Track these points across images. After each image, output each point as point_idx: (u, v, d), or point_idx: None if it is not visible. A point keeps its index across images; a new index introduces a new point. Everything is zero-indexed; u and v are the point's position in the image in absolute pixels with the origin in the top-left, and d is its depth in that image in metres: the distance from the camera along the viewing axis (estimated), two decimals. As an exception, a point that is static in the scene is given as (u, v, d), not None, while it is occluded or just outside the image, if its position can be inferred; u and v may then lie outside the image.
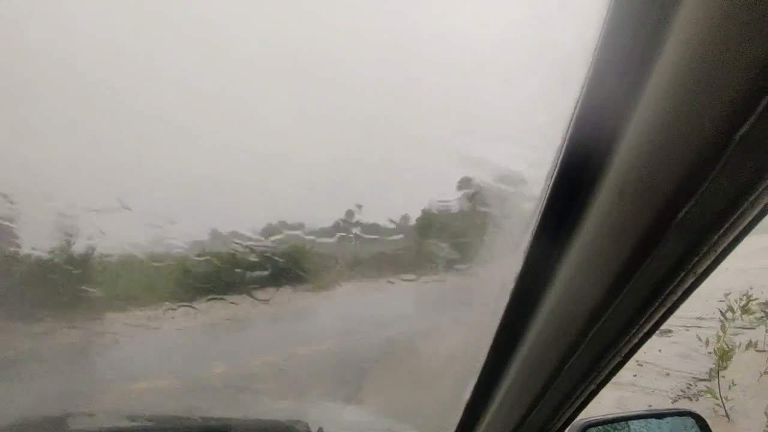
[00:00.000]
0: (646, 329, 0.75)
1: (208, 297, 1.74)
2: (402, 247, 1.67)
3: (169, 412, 1.66)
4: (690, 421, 1.31)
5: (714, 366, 5.16)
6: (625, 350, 0.81)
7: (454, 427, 1.21)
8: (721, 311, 5.68)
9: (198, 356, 2.02)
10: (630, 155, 0.55)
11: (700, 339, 5.36)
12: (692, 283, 0.63)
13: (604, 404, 4.92)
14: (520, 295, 0.83)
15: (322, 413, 1.64)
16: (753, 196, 0.48)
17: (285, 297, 1.82)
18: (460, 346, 1.33)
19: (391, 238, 1.67)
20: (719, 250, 0.58)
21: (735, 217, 0.51)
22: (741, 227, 0.54)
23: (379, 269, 1.72)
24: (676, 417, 1.34)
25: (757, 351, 6.07)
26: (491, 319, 0.91)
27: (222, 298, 1.76)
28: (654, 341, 6.41)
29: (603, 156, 0.58)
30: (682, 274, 0.60)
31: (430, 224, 1.54)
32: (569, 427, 1.17)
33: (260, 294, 1.79)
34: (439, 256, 1.57)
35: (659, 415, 1.32)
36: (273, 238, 1.68)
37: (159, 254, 1.62)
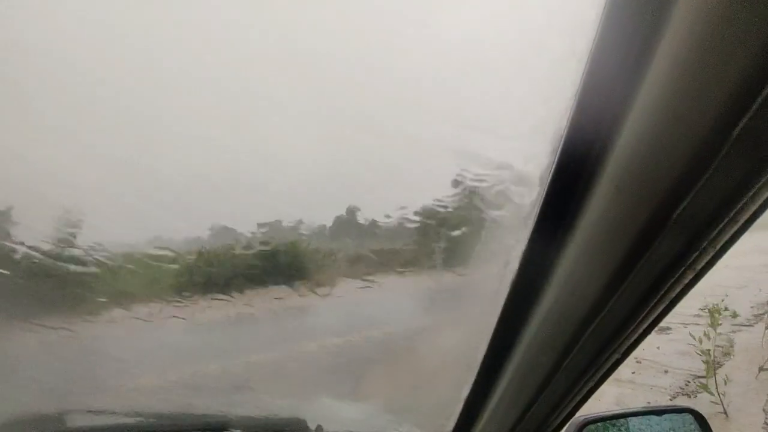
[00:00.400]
0: (644, 326, 0.75)
1: (206, 295, 1.75)
2: (400, 246, 1.67)
3: (167, 410, 1.66)
4: (689, 417, 1.31)
5: (712, 363, 5.15)
6: (624, 347, 0.81)
7: (453, 424, 1.21)
8: (719, 308, 5.68)
9: (196, 354, 2.02)
10: (627, 151, 0.55)
11: (694, 336, 5.35)
12: (691, 280, 0.63)
13: (603, 401, 4.92)
14: (518, 291, 0.83)
15: (320, 411, 1.64)
16: (752, 192, 0.48)
17: (283, 295, 1.82)
18: (459, 342, 1.32)
19: (389, 236, 1.68)
20: (718, 247, 0.57)
21: (733, 213, 0.51)
22: (740, 223, 0.54)
23: (378, 267, 1.73)
24: (675, 414, 1.33)
25: (755, 348, 6.08)
26: (490, 315, 0.90)
27: (220, 296, 1.76)
28: (653, 338, 6.40)
29: (600, 152, 0.58)
30: (681, 270, 0.60)
31: (428, 222, 1.54)
32: (568, 423, 1.17)
33: (258, 292, 1.80)
34: (437, 254, 1.57)
35: (658, 412, 1.32)
36: (272, 236, 1.69)
37: (158, 253, 1.62)
